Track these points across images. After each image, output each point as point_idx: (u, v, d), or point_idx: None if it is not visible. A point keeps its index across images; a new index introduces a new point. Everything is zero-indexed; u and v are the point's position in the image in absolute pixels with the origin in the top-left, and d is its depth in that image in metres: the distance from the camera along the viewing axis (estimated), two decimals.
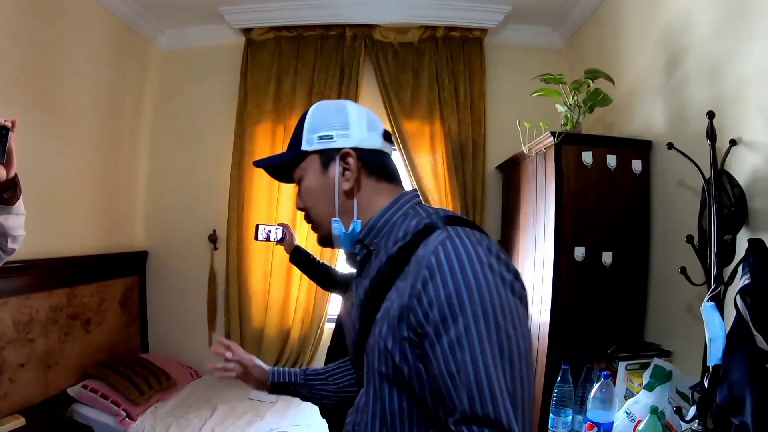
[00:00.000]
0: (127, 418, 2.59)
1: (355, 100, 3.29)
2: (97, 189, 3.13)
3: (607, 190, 2.13)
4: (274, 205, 3.36)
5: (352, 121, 0.93)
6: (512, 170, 2.97)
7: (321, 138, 0.91)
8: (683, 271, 1.64)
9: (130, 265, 3.44)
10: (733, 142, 1.60)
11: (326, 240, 0.96)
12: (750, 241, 1.38)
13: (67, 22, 2.74)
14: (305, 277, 2.32)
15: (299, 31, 3.39)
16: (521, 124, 2.39)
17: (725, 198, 1.57)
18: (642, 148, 2.18)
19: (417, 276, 0.72)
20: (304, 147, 0.93)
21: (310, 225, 0.99)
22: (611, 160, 2.13)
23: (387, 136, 0.98)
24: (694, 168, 1.67)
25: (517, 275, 0.75)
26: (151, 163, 3.66)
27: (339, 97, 3.30)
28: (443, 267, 0.70)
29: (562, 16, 3.16)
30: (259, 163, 1.02)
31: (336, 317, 1.88)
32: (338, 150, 0.90)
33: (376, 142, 0.94)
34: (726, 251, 1.55)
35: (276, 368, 1.20)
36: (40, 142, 2.58)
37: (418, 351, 0.72)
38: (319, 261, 2.23)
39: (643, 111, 2.30)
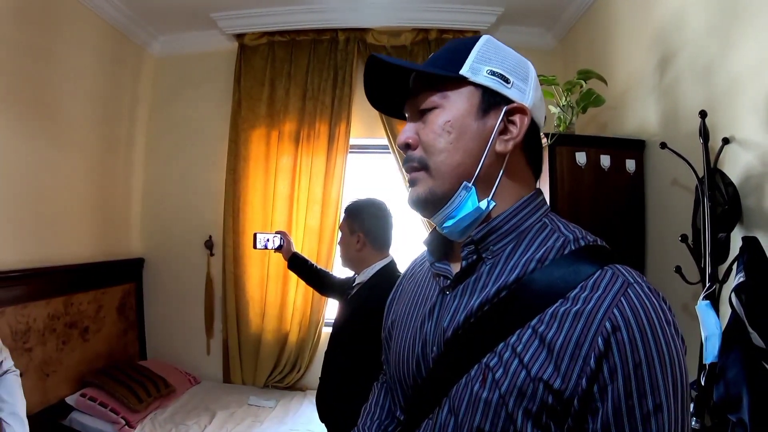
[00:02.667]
0: (126, 426, 2.57)
1: (349, 103, 3.29)
2: (93, 196, 3.12)
3: (601, 190, 2.14)
4: (269, 210, 3.36)
5: (532, 78, 0.72)
6: None
7: (493, 74, 0.68)
8: (678, 269, 1.65)
9: (126, 272, 3.43)
10: (725, 141, 1.61)
11: (424, 202, 0.72)
12: (744, 239, 1.39)
13: (60, 30, 2.74)
14: (302, 282, 2.32)
15: (292, 36, 3.40)
16: None
17: (719, 196, 1.58)
18: (635, 147, 2.19)
19: (585, 333, 0.57)
20: (465, 72, 0.68)
21: (409, 171, 0.74)
22: (605, 160, 2.14)
23: None
24: (687, 167, 1.68)
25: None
26: (147, 169, 3.66)
27: (333, 102, 3.31)
28: (632, 328, 0.56)
29: (555, 16, 3.18)
30: (381, 59, 0.71)
31: (333, 321, 1.88)
32: (508, 101, 0.69)
33: (542, 117, 0.74)
34: (720, 249, 1.56)
35: None
36: (35, 150, 2.57)
37: (568, 425, 0.58)
38: (316, 267, 2.24)
39: (636, 111, 2.31)
